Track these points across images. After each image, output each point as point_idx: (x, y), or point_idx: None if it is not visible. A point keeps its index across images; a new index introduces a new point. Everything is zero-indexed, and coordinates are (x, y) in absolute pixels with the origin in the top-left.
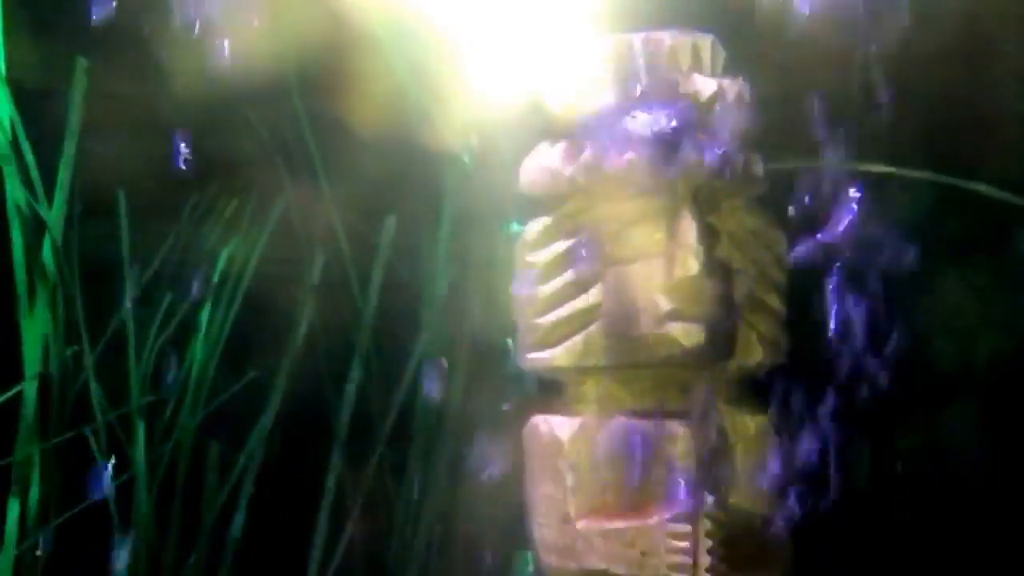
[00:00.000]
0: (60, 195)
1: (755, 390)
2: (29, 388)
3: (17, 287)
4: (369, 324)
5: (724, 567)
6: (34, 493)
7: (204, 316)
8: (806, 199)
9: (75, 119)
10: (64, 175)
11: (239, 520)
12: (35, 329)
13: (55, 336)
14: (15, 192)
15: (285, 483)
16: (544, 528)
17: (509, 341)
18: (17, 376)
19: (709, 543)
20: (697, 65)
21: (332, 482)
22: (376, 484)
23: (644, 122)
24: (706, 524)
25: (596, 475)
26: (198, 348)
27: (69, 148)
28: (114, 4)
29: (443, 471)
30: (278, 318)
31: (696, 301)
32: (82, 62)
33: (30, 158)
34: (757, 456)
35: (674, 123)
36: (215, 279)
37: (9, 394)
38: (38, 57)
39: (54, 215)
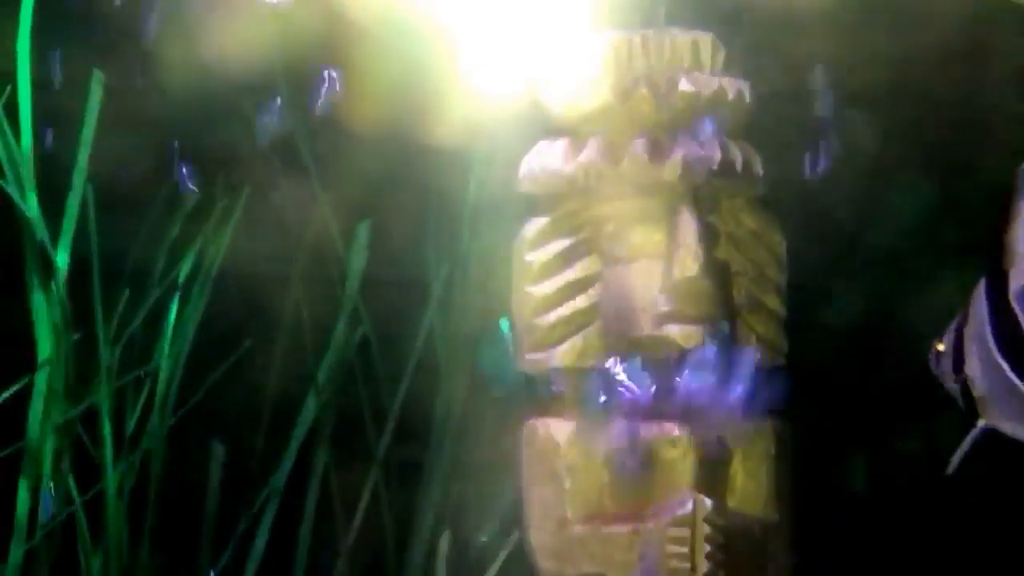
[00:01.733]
0: (74, 201)
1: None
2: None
3: (29, 286)
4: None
5: (722, 572)
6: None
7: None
8: None
9: (89, 132)
10: (78, 180)
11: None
12: (45, 326)
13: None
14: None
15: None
16: (540, 532)
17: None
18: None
19: (707, 548)
20: (697, 63)
21: (320, 486)
22: (372, 490)
23: None
24: (704, 529)
25: (593, 478)
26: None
27: (82, 159)
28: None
29: (442, 475)
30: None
31: (695, 302)
32: (99, 74)
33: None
34: (756, 460)
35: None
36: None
37: (17, 386)
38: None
39: (67, 222)
